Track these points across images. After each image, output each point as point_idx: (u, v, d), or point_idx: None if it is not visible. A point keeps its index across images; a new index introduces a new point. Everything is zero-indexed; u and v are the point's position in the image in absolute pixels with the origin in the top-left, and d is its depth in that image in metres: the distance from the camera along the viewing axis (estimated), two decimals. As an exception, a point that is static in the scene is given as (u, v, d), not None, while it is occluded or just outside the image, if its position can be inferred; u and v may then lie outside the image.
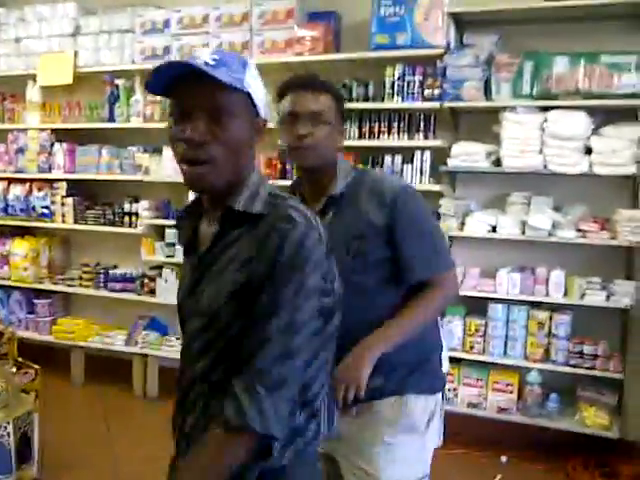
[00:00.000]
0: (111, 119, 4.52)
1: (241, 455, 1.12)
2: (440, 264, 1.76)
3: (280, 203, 1.19)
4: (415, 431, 1.74)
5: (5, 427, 1.88)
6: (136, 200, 4.48)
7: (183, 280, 1.33)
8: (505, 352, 3.55)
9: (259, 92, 1.21)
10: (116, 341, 4.54)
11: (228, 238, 1.20)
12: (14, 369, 2.83)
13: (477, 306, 3.64)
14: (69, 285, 4.77)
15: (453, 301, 1.87)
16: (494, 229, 3.53)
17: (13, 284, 4.84)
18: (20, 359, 3.33)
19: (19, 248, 4.82)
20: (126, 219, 4.48)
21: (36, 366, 3.34)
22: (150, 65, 3.98)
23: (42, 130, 4.76)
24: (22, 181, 4.87)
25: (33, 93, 4.77)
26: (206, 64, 1.11)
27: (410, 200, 1.74)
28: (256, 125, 1.22)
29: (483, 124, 3.62)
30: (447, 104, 3.58)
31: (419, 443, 1.77)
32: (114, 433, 3.77)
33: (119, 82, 4.49)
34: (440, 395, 1.84)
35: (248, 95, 1.17)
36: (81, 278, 4.73)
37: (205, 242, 1.25)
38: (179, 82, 1.13)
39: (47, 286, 4.82)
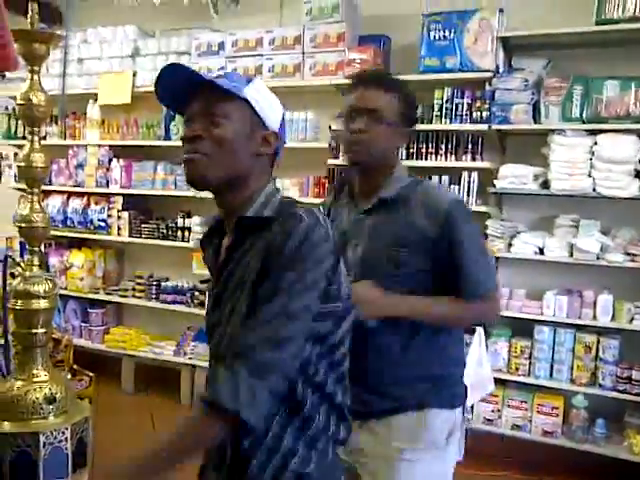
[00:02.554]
0: (167, 137, 4.69)
1: (213, 432, 1.13)
2: (488, 285, 1.71)
3: (289, 205, 1.23)
4: (435, 447, 1.70)
5: (63, 432, 1.93)
6: (188, 215, 4.64)
7: (210, 297, 1.36)
8: (551, 375, 3.54)
9: (265, 105, 1.26)
10: (165, 351, 4.69)
11: (242, 248, 1.24)
12: (69, 376, 2.96)
13: (523, 328, 3.64)
14: (122, 296, 4.95)
15: (490, 320, 1.84)
16: (541, 251, 3.54)
17: (69, 293, 5.04)
18: (75, 366, 3.48)
19: (76, 259, 5.04)
20: (179, 233, 4.64)
21: (91, 374, 3.48)
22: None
23: (101, 146, 4.98)
24: (81, 195, 5.09)
25: (93, 111, 5.01)
26: (207, 76, 1.23)
27: (464, 216, 1.69)
28: (261, 135, 1.26)
29: (531, 147, 3.66)
30: (495, 126, 3.62)
31: (440, 459, 1.73)
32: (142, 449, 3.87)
33: (175, 101, 4.66)
34: (460, 410, 1.79)
35: (250, 106, 1.24)
36: (134, 289, 4.90)
37: (223, 253, 1.30)
38: (186, 94, 1.24)
39: (101, 296, 5.01)
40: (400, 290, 1.66)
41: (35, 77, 1.80)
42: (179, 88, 1.24)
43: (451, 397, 1.76)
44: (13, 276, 2.30)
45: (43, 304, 1.84)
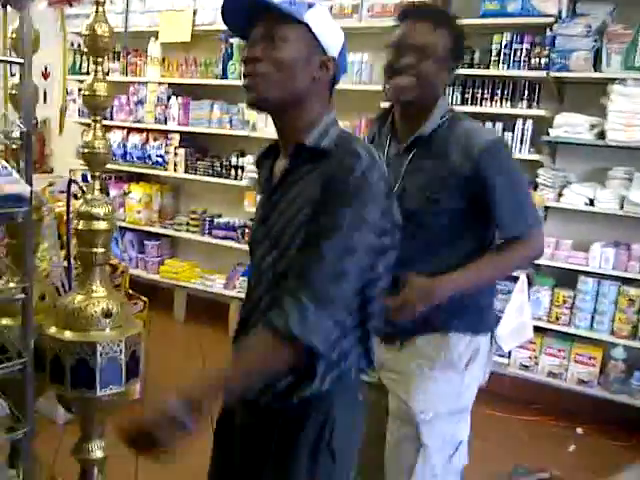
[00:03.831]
0: (224, 76, 4.75)
1: (283, 361, 1.19)
2: (523, 226, 1.70)
3: (347, 141, 1.27)
4: (453, 368, 1.75)
5: (118, 344, 2.05)
6: (242, 154, 4.74)
7: (257, 213, 1.43)
8: (591, 326, 3.56)
9: (324, 30, 1.29)
10: (216, 284, 4.88)
11: (297, 174, 1.29)
12: (125, 299, 3.16)
13: (567, 278, 3.65)
14: (177, 230, 5.14)
15: (537, 259, 1.81)
16: (592, 202, 3.51)
17: (127, 225, 5.26)
18: (131, 291, 3.68)
19: (134, 193, 5.24)
20: (232, 172, 4.76)
21: (145, 299, 3.69)
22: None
23: (160, 84, 5.09)
24: (140, 131, 5.25)
25: (154, 49, 5.10)
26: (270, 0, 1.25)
27: (499, 154, 1.67)
28: (320, 59, 1.29)
29: (590, 96, 3.58)
30: (553, 74, 3.55)
31: (454, 382, 1.77)
32: (209, 367, 4.10)
33: (233, 41, 4.70)
34: (487, 338, 1.82)
35: (310, 30, 1.27)
36: (188, 224, 5.08)
37: (277, 176, 1.35)
38: (251, 19, 1.28)
39: (157, 229, 5.22)
40: (435, 229, 1.70)
41: (100, 9, 1.90)
42: (243, 12, 1.28)
43: (475, 323, 1.80)
44: (76, 197, 2.45)
45: (102, 225, 1.98)
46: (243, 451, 1.40)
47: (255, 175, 4.59)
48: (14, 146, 1.98)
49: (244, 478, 1.40)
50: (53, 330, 1.96)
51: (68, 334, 1.94)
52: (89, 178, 2.06)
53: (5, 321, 2.06)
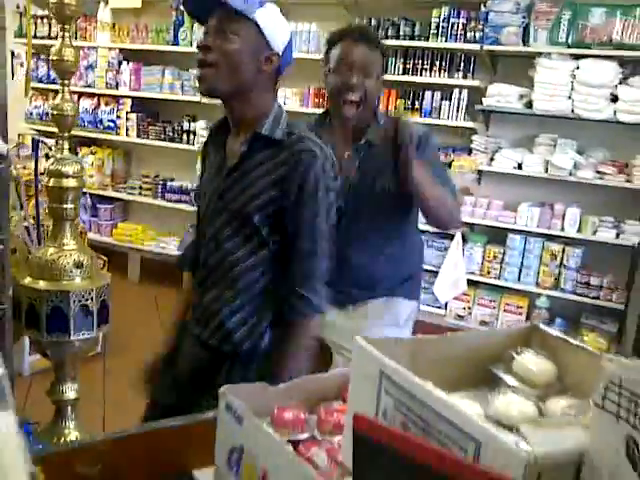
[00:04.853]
0: (175, 42, 4.87)
1: (318, 330, 1.52)
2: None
3: (297, 134, 1.48)
4: (396, 325, 2.07)
5: (90, 293, 2.20)
6: (194, 119, 4.89)
7: (208, 187, 1.59)
8: (519, 279, 3.92)
9: (272, 28, 1.45)
10: (169, 246, 5.05)
11: (255, 158, 1.48)
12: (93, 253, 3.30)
13: (497, 236, 3.99)
14: (129, 193, 5.27)
15: (450, 223, 2.07)
16: (520, 166, 3.83)
17: (80, 189, 5.33)
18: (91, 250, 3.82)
19: (86, 157, 5.30)
20: (184, 136, 4.90)
21: (104, 257, 3.84)
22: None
23: (111, 49, 5.16)
24: (91, 95, 5.32)
25: (104, 14, 5.15)
26: None
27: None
28: (265, 54, 1.45)
29: (519, 68, 3.88)
30: (486, 47, 3.83)
31: (399, 335, 2.10)
32: (164, 322, 4.29)
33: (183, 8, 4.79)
34: (417, 302, 2.18)
35: (258, 26, 1.43)
36: (141, 188, 5.21)
37: (232, 157, 1.52)
38: (208, 8, 1.46)
39: (110, 193, 5.33)
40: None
41: None
42: (204, 3, 1.46)
43: (415, 292, 2.16)
44: (47, 158, 2.59)
45: (72, 183, 2.15)
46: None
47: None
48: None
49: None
50: (28, 280, 2.13)
51: (42, 284, 2.11)
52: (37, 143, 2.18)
53: (-21, 274, 2.21)
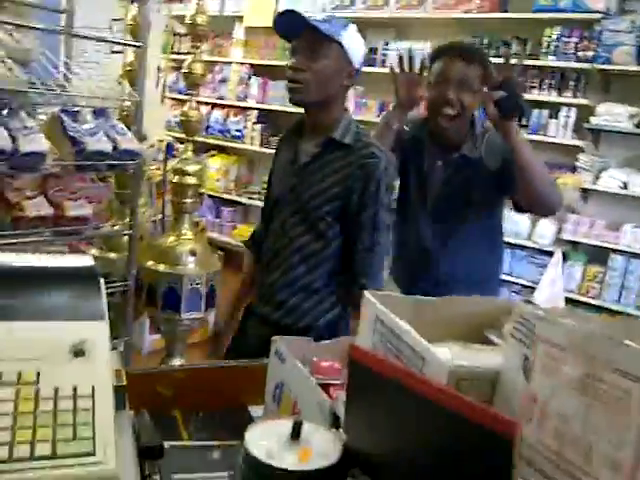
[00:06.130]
0: (300, 59, 5.19)
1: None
2: None
3: (363, 140, 1.66)
4: None
5: (200, 277, 2.46)
6: (312, 131, 5.19)
7: (280, 180, 1.78)
8: (619, 300, 3.87)
9: (354, 47, 1.63)
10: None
11: (327, 158, 1.66)
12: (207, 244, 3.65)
13: (599, 255, 3.96)
14: (250, 198, 5.67)
15: (553, 205, 1.93)
16: (625, 186, 3.80)
17: (206, 192, 5.81)
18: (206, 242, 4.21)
19: (214, 163, 5.80)
20: (303, 147, 5.21)
21: (220, 252, 4.22)
22: (339, 14, 4.60)
23: (243, 64, 5.62)
24: (222, 107, 5.81)
25: (239, 32, 5.62)
26: (315, 20, 1.58)
27: None
28: (347, 70, 1.63)
29: (634, 88, 3.85)
30: (597, 66, 3.84)
31: None
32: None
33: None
34: None
35: (342, 46, 1.60)
36: (259, 193, 5.57)
37: (305, 156, 1.70)
38: (297, 30, 1.60)
39: (232, 197, 5.77)
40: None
41: (200, 2, 2.35)
42: (293, 25, 1.66)
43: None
44: (173, 157, 2.96)
45: (192, 180, 2.44)
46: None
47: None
48: (125, 113, 2.47)
49: None
50: (150, 263, 2.44)
51: (161, 267, 2.40)
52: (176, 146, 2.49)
53: (112, 255, 2.56)
